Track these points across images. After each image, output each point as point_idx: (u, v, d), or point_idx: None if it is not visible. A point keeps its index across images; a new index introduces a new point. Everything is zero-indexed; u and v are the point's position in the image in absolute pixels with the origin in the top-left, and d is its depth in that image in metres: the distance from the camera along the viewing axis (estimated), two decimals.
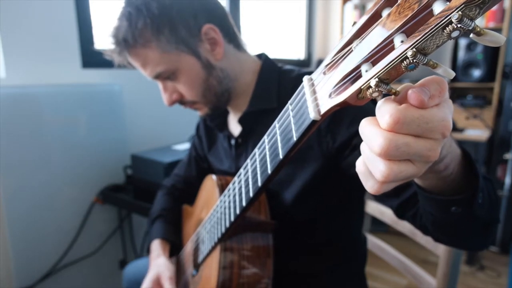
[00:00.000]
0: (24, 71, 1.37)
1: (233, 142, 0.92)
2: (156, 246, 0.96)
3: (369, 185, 0.35)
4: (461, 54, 2.55)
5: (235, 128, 0.94)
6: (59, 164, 1.43)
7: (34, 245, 1.40)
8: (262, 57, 0.91)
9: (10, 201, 1.30)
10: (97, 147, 1.56)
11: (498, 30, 2.45)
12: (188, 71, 0.81)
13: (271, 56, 0.92)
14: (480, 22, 2.52)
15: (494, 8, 2.45)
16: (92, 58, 1.54)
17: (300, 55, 3.18)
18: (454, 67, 2.62)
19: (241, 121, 0.86)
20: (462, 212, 0.47)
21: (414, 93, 0.30)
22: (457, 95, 2.72)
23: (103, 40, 0.84)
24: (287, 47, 3.04)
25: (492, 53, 2.47)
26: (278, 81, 0.86)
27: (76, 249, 1.54)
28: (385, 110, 0.31)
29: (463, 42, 2.54)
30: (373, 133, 0.32)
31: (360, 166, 0.36)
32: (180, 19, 0.78)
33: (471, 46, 2.51)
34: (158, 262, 0.90)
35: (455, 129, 2.54)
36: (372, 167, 0.33)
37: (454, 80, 2.64)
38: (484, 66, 2.48)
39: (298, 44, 3.16)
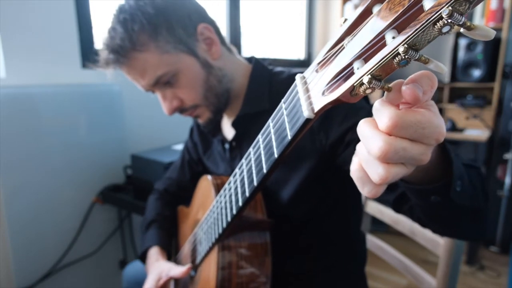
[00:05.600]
0: (24, 71, 1.37)
1: (227, 146, 0.92)
2: (155, 252, 0.95)
3: (367, 190, 0.35)
4: (461, 54, 2.55)
5: (228, 132, 0.94)
6: (59, 164, 1.44)
7: (34, 245, 1.41)
8: (252, 60, 0.91)
9: (10, 201, 1.31)
10: (97, 147, 1.56)
11: (498, 30, 2.45)
12: (189, 72, 0.80)
13: (271, 56, 0.92)
14: (480, 22, 2.52)
15: (494, 8, 2.45)
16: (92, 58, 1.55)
17: (300, 55, 3.18)
18: (454, 67, 2.62)
19: (234, 124, 0.86)
20: (442, 200, 0.47)
21: (409, 89, 0.31)
22: (457, 95, 2.72)
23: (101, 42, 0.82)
24: (287, 47, 3.04)
25: (492, 53, 2.46)
26: (270, 83, 0.86)
27: (76, 249, 1.54)
28: (384, 113, 0.31)
29: (463, 42, 2.53)
30: (372, 135, 0.32)
31: (356, 171, 0.36)
32: (176, 19, 0.78)
33: (471, 46, 2.51)
34: (158, 264, 0.89)
35: (455, 129, 2.54)
36: (370, 170, 0.33)
37: (454, 80, 2.64)
38: (484, 66, 2.47)
39: (298, 44, 3.16)
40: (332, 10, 3.21)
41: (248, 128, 0.86)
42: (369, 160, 0.33)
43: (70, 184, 1.49)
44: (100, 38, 0.79)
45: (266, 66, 0.90)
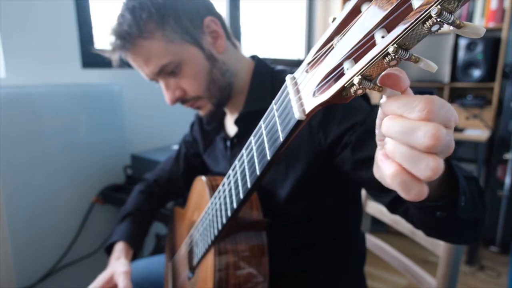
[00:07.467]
0: (24, 71, 1.37)
1: (228, 143, 0.92)
2: (119, 248, 0.94)
3: (415, 192, 0.31)
4: (461, 54, 2.54)
5: (231, 129, 0.94)
6: (59, 164, 1.44)
7: (34, 245, 1.41)
8: (254, 58, 0.92)
9: (10, 201, 1.31)
10: (97, 147, 1.56)
11: (498, 30, 2.45)
12: (193, 63, 0.81)
13: (272, 56, 0.93)
14: (480, 22, 2.52)
15: (494, 8, 2.44)
16: (92, 58, 1.55)
17: (300, 55, 3.18)
18: (454, 67, 2.61)
19: (237, 122, 0.87)
20: (447, 216, 0.48)
21: (389, 71, 0.30)
22: (457, 95, 2.71)
23: (103, 39, 0.84)
24: (287, 47, 3.04)
25: (492, 53, 2.46)
26: (272, 81, 0.87)
27: (76, 249, 1.54)
28: (413, 101, 0.29)
29: (463, 42, 2.53)
30: (416, 126, 0.29)
31: (397, 176, 0.31)
32: (183, 10, 0.79)
33: (471, 46, 2.50)
34: (118, 262, 0.88)
35: (455, 129, 2.53)
36: (417, 166, 0.29)
37: (454, 80, 2.64)
38: (484, 66, 2.47)
39: (298, 44, 3.16)
40: (332, 10, 3.21)
41: (251, 126, 0.86)
42: (415, 156, 0.29)
43: (70, 184, 1.49)
44: (109, 25, 0.80)
45: (268, 65, 0.91)
